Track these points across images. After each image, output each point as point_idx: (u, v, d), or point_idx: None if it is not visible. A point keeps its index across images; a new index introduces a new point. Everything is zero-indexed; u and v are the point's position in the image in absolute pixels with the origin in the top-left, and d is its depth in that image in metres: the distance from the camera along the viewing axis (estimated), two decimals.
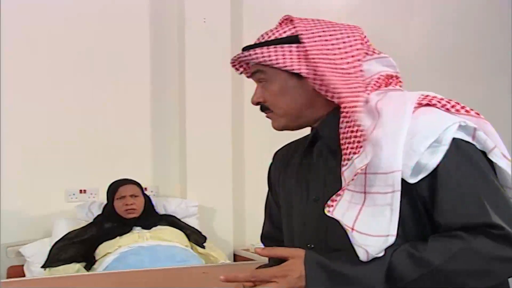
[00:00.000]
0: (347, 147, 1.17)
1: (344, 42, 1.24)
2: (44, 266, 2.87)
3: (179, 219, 3.21)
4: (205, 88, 3.46)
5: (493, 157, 1.13)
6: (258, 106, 1.32)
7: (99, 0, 3.43)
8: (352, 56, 1.23)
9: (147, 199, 3.15)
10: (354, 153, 1.15)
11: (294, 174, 1.35)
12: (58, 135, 3.33)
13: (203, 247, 3.08)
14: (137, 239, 2.89)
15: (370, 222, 1.10)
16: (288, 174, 1.38)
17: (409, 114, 1.12)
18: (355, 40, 1.25)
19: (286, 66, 1.23)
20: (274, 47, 1.25)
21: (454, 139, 1.10)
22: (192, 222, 3.29)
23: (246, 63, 1.35)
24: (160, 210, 3.27)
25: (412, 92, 1.20)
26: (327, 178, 1.25)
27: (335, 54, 1.22)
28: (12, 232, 3.18)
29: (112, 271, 2.48)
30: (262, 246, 3.49)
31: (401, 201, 1.09)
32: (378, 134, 1.12)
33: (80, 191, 3.38)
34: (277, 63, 1.24)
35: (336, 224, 1.13)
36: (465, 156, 1.10)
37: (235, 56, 1.34)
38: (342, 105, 1.19)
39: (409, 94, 1.19)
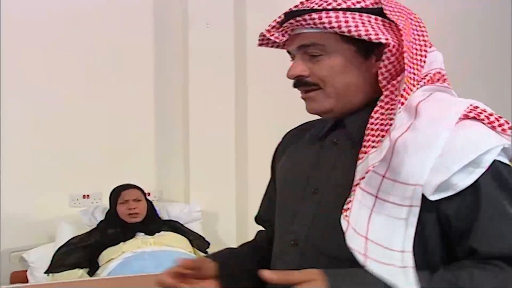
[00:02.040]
0: (369, 139, 1.06)
1: (419, 26, 1.12)
2: (47, 272, 2.87)
3: (182, 225, 3.20)
4: (208, 93, 3.46)
5: None
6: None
7: (100, 7, 3.43)
8: (424, 41, 1.11)
9: (150, 204, 3.15)
10: (373, 146, 1.04)
11: (297, 158, 1.22)
12: (61, 140, 3.33)
13: (206, 252, 3.07)
14: (140, 245, 2.89)
15: (382, 232, 0.99)
16: (291, 156, 1.25)
17: (451, 125, 0.99)
18: (424, 26, 1.13)
19: (369, 35, 1.06)
20: (352, 13, 1.08)
21: (494, 161, 1.00)
22: (196, 227, 3.28)
23: (291, 29, 1.14)
24: (164, 215, 3.26)
25: (460, 100, 1.07)
26: (333, 171, 1.13)
27: (412, 34, 1.09)
28: (15, 237, 3.18)
29: (115, 276, 2.48)
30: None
31: (422, 218, 0.99)
32: (408, 138, 1.00)
33: (84, 196, 3.38)
34: (357, 31, 1.06)
35: (328, 224, 1.06)
36: (503, 180, 1.01)
37: (291, 20, 1.12)
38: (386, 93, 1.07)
39: (456, 101, 1.06)
